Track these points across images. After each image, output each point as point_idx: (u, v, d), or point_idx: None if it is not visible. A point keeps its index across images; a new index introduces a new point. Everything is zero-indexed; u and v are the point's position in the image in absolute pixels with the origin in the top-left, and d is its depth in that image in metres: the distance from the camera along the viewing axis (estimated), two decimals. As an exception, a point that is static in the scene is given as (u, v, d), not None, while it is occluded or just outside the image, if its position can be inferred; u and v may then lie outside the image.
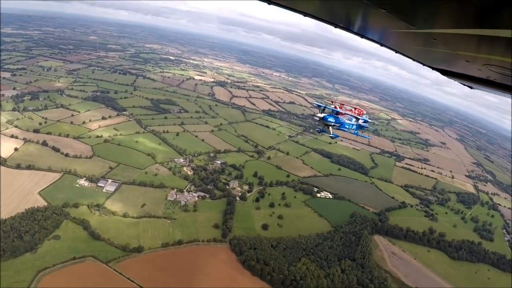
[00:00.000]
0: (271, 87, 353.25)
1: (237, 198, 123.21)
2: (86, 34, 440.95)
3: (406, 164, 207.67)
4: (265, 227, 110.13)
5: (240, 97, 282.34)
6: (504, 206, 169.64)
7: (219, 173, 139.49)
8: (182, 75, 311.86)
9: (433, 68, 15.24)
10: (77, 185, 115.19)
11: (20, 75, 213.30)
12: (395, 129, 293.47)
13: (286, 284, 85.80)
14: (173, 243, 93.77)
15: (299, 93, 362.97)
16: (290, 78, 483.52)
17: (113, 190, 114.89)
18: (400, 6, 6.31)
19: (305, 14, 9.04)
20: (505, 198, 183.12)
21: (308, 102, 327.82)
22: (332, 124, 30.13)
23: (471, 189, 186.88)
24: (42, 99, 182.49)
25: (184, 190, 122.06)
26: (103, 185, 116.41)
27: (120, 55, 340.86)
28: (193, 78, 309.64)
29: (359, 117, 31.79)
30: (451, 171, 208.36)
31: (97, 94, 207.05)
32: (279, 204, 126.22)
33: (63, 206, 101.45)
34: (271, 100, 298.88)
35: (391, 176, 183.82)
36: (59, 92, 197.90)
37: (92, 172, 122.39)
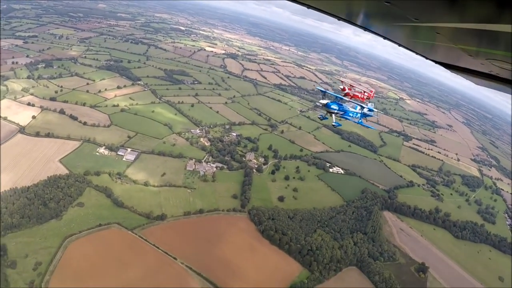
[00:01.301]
0: (281, 61, 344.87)
1: (254, 170, 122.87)
2: (95, 2, 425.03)
3: (414, 144, 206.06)
4: (281, 199, 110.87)
5: (251, 70, 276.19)
6: (507, 192, 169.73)
7: (235, 145, 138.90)
8: (194, 46, 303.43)
9: (436, 62, 14.73)
10: (97, 153, 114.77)
11: (32, 42, 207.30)
12: (403, 109, 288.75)
13: (303, 254, 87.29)
14: (195, 212, 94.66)
15: (309, 68, 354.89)
16: (299, 53, 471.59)
17: (133, 159, 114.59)
18: None
19: (309, 6, 8.92)
20: (508, 183, 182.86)
21: (318, 78, 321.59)
22: (335, 111, 28.25)
23: (476, 173, 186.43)
24: (56, 67, 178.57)
25: (202, 161, 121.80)
26: (122, 154, 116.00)
27: (131, 24, 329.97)
28: (204, 49, 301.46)
29: (363, 105, 29.81)
30: (456, 154, 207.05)
31: (111, 63, 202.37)
32: (294, 177, 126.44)
33: (84, 174, 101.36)
34: (282, 74, 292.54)
35: (399, 155, 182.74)
36: (72, 60, 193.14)
37: (111, 141, 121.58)
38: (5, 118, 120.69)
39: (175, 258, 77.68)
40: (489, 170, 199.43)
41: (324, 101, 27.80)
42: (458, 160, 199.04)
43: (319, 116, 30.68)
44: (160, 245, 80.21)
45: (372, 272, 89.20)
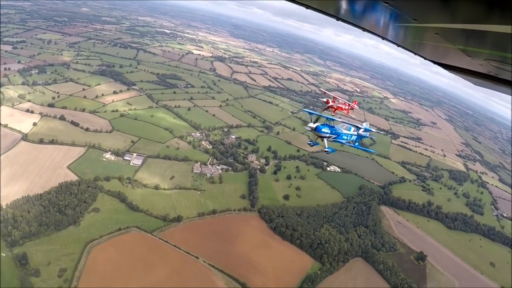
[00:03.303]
0: (268, 63, 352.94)
1: (257, 171, 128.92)
2: (78, 6, 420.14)
3: (401, 142, 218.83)
4: (286, 197, 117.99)
5: (240, 72, 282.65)
6: (492, 184, 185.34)
7: (236, 147, 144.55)
8: (181, 49, 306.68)
9: (434, 62, 14.87)
10: (104, 159, 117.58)
11: (21, 48, 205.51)
12: (388, 107, 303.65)
13: (314, 247, 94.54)
14: (208, 213, 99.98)
15: (295, 69, 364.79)
16: (283, 54, 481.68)
17: (140, 163, 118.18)
18: (403, 0, 6.43)
19: (307, 6, 8.97)
20: (492, 177, 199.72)
21: (305, 78, 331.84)
22: (327, 135, 25.13)
23: (462, 167, 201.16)
24: (49, 73, 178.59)
25: (208, 163, 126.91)
26: (129, 159, 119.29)
27: (116, 28, 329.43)
28: (192, 53, 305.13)
29: (359, 125, 27.07)
30: (442, 150, 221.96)
31: (103, 68, 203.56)
32: (295, 177, 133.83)
33: (94, 179, 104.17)
34: (270, 76, 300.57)
35: (388, 153, 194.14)
36: (65, 66, 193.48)
37: (115, 146, 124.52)
38: (5, 126, 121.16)
39: (197, 257, 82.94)
40: (474, 164, 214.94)
41: (313, 125, 24.66)
42: (444, 156, 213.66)
43: (309, 142, 27.11)
44: (181, 245, 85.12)
45: (376, 261, 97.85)
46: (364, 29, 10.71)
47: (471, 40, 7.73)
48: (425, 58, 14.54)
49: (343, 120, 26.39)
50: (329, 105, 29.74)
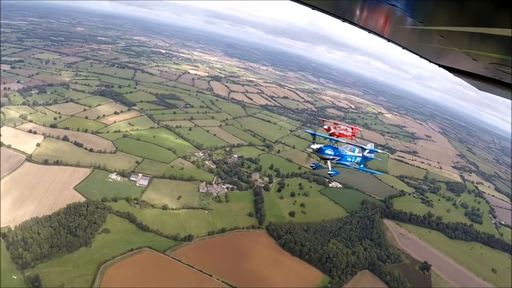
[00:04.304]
0: (263, 82, 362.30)
1: (262, 189, 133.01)
2: (73, 25, 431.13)
3: (398, 156, 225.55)
4: (292, 214, 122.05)
5: (237, 92, 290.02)
6: (488, 194, 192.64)
7: (239, 166, 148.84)
8: (178, 69, 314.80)
9: (440, 66, 15.03)
10: (110, 179, 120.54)
11: (20, 67, 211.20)
12: (383, 122, 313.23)
13: (323, 261, 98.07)
14: (218, 231, 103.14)
15: (290, 87, 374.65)
16: (277, 72, 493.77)
17: (146, 184, 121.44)
18: (409, 2, 6.49)
19: (313, 7, 8.98)
20: (488, 186, 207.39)
21: (300, 96, 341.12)
22: (331, 157, 24.87)
23: (458, 179, 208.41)
24: (49, 93, 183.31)
25: (213, 183, 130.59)
26: (135, 179, 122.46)
27: (112, 47, 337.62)
28: (188, 72, 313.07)
29: (363, 146, 26.67)
30: (438, 163, 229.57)
31: (102, 88, 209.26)
32: (299, 194, 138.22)
33: (102, 200, 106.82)
34: (266, 95, 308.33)
35: (386, 167, 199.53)
36: (64, 86, 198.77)
37: (120, 167, 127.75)
38: (9, 146, 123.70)
39: (210, 275, 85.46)
40: (470, 175, 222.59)
41: (316, 146, 24.32)
42: (441, 168, 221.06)
43: (312, 165, 27.17)
44: (194, 264, 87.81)
45: (383, 273, 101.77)
46: (369, 31, 10.88)
47: (476, 43, 7.84)
48: (430, 61, 14.76)
49: (347, 141, 26.31)
50: (331, 132, 28.91)
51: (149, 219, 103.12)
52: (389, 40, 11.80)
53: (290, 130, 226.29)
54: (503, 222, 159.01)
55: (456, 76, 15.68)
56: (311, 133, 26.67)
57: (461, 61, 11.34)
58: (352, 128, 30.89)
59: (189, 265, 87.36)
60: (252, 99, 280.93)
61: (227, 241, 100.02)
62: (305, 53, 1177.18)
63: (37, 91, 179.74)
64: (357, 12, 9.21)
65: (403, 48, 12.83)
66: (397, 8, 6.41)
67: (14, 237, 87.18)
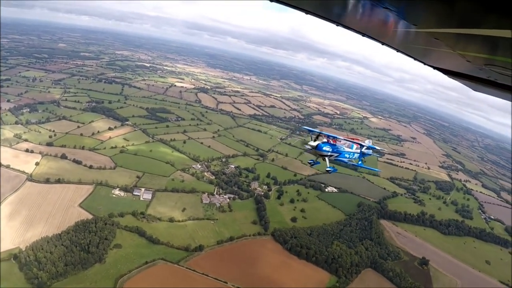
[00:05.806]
0: (249, 92, 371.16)
1: (262, 197, 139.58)
2: (54, 42, 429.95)
3: (387, 159, 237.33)
4: (293, 219, 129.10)
5: (225, 103, 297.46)
6: (476, 191, 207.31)
7: (238, 176, 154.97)
8: (164, 82, 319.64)
9: (434, 68, 15.21)
10: (114, 195, 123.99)
11: (7, 86, 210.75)
12: (368, 127, 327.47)
13: (329, 262, 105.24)
14: (226, 240, 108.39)
15: (275, 96, 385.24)
16: (261, 81, 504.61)
17: (150, 197, 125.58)
18: (403, 4, 6.61)
19: (307, 11, 9.00)
20: (475, 184, 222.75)
21: (286, 105, 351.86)
22: (329, 154, 25.17)
23: (446, 178, 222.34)
24: (41, 111, 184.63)
25: (215, 193, 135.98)
26: (138, 194, 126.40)
27: (97, 63, 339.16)
28: (175, 85, 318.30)
29: (362, 143, 27.43)
30: (426, 163, 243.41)
31: (93, 104, 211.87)
32: (298, 200, 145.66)
33: (109, 216, 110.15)
34: (253, 104, 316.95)
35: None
36: (55, 104, 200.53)
37: (122, 182, 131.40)
38: (7, 166, 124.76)
39: (225, 282, 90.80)
40: (457, 173, 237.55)
41: (314, 143, 24.63)
42: (428, 168, 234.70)
43: (310, 162, 27.32)
44: (208, 272, 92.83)
45: (385, 270, 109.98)
46: (363, 34, 10.94)
47: (471, 45, 7.91)
48: (424, 64, 14.74)
49: (345, 138, 27.15)
50: (333, 135, 28.30)
51: (158, 232, 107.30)
52: (383, 43, 11.90)
53: (281, 139, 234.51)
54: (492, 217, 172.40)
55: (450, 77, 15.88)
56: (309, 130, 27.85)
57: (456, 63, 11.61)
58: (353, 139, 30.56)
59: (204, 274, 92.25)
60: (240, 109, 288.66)
61: (236, 249, 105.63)
62: (286, 61, 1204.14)
63: (28, 110, 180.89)
64: (351, 15, 9.34)
65: (397, 51, 12.88)
66: (391, 11, 6.53)
67: (27, 257, 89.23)
